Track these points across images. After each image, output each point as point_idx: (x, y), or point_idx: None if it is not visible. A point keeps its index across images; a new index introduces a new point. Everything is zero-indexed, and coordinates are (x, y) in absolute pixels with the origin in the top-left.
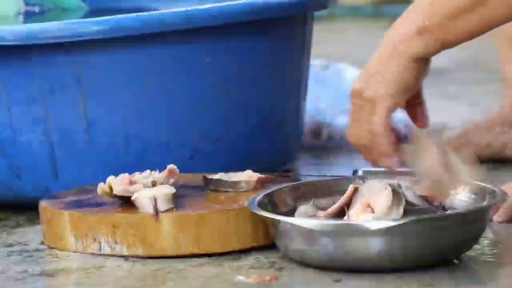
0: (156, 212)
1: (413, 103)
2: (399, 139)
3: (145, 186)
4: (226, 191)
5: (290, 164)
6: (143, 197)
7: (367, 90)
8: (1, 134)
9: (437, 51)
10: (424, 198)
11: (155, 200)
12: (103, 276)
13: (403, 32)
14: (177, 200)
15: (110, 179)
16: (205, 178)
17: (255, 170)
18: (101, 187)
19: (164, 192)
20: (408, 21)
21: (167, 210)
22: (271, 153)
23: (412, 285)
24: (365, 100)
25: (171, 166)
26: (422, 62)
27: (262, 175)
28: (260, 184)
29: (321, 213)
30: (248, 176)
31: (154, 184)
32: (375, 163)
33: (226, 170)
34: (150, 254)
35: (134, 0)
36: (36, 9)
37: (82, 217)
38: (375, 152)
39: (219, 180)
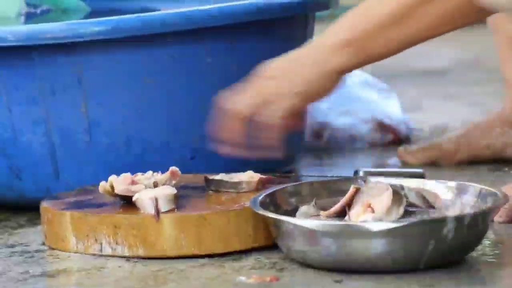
0: (157, 212)
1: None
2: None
3: (146, 186)
4: (227, 192)
5: (291, 165)
6: (145, 197)
7: (277, 81)
8: (2, 134)
9: (360, 65)
10: (426, 199)
11: (156, 200)
12: (104, 277)
13: (328, 43)
14: (178, 200)
15: (112, 178)
16: (206, 179)
17: (256, 171)
18: (103, 185)
19: (165, 193)
20: (335, 33)
21: (168, 211)
22: None
23: (413, 285)
24: (269, 87)
25: (173, 168)
26: (340, 75)
27: (263, 176)
28: (261, 184)
29: (322, 213)
30: (249, 176)
31: (155, 185)
32: (221, 139)
33: (227, 170)
34: (151, 255)
35: (134, 0)
36: (37, 10)
37: (83, 218)
38: (239, 137)
39: (220, 181)
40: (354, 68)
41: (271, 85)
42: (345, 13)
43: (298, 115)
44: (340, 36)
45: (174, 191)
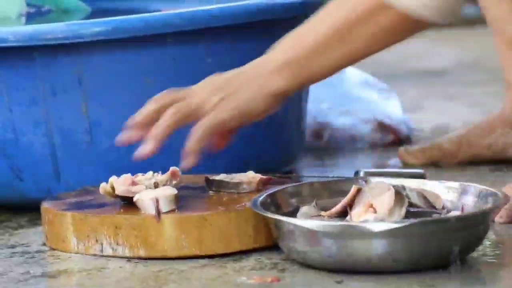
0: (158, 213)
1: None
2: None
3: (147, 187)
4: (228, 192)
5: (292, 165)
6: (145, 198)
7: (215, 94)
8: (3, 135)
9: (298, 88)
10: (427, 200)
11: (157, 201)
12: (105, 278)
13: (266, 65)
14: (179, 201)
15: (113, 179)
16: (207, 179)
17: (257, 172)
18: (103, 187)
19: (166, 194)
20: (273, 55)
21: (169, 212)
22: (273, 154)
23: (414, 286)
24: (205, 99)
25: (173, 168)
26: (278, 98)
27: (264, 176)
28: (262, 185)
29: (324, 213)
30: (249, 177)
31: (156, 185)
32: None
33: (227, 171)
34: (152, 256)
35: (135, 1)
36: (38, 10)
37: (84, 219)
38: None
39: (221, 181)
40: (293, 91)
41: (208, 97)
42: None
43: (226, 133)
44: (278, 59)
45: (174, 191)
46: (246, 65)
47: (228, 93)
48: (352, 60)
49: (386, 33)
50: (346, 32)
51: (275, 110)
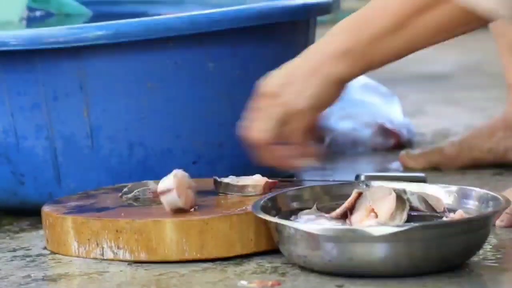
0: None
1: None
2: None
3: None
4: (234, 195)
5: (293, 169)
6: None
7: (284, 96)
8: (5, 140)
9: (360, 74)
10: (429, 204)
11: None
12: (106, 281)
13: (327, 52)
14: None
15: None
16: (215, 181)
17: (262, 175)
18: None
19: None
20: (333, 41)
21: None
22: None
23: None
24: (279, 105)
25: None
26: (342, 84)
27: (270, 180)
28: (268, 188)
29: (326, 215)
30: (255, 180)
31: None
32: (275, 163)
33: (229, 174)
34: (153, 259)
35: (137, 5)
36: (40, 14)
37: (85, 222)
38: (282, 154)
39: (227, 184)
40: (355, 76)
41: (278, 105)
42: (347, 17)
43: (314, 126)
44: (339, 45)
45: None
46: (301, 55)
47: (295, 91)
48: (414, 48)
49: (448, 24)
50: (408, 23)
51: (339, 99)
